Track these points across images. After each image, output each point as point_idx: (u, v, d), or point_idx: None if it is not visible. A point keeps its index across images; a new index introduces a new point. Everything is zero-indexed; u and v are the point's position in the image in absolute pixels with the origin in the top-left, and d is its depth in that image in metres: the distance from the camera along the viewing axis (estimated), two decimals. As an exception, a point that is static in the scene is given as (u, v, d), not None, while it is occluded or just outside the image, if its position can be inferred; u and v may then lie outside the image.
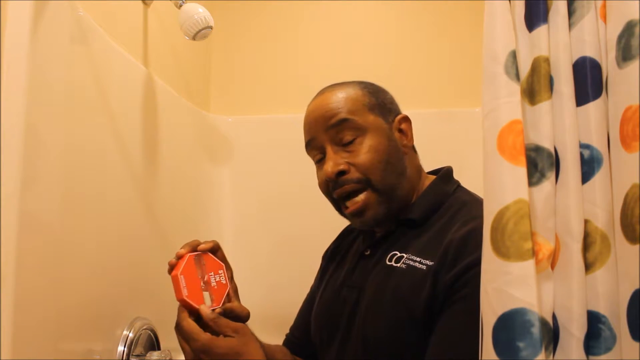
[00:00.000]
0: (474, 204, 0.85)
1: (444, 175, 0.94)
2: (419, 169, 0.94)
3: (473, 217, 0.80)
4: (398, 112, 0.93)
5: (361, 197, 0.86)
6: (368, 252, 0.92)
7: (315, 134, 0.90)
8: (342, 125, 0.87)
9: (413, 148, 0.94)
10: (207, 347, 0.76)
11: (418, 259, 0.82)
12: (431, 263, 0.80)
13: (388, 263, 0.86)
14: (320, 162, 0.91)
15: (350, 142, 0.87)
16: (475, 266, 0.72)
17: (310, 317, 1.01)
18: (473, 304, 0.71)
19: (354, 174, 0.85)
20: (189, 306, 0.80)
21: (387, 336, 0.81)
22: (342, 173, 0.86)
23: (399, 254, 0.86)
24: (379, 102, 0.91)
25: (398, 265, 0.84)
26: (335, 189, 0.87)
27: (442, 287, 0.77)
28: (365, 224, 0.89)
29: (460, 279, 0.76)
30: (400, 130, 0.91)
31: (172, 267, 0.82)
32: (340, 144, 0.87)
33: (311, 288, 1.09)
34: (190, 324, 0.78)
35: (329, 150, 0.88)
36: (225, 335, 0.78)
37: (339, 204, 0.90)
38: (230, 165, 1.78)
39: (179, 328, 0.79)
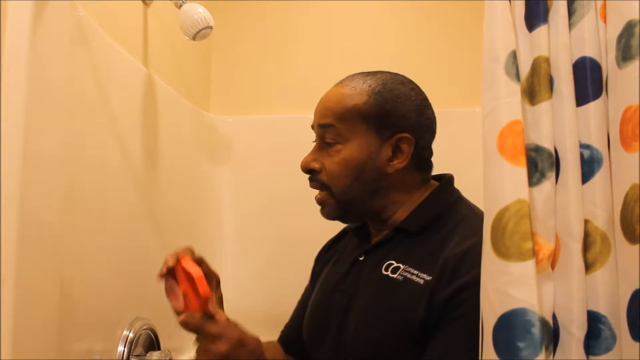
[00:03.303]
0: (474, 219, 0.82)
1: (445, 184, 0.92)
2: (414, 184, 0.90)
3: (472, 233, 0.77)
4: (404, 130, 0.86)
5: (321, 194, 0.92)
6: (362, 258, 0.91)
7: (314, 123, 0.94)
8: (326, 128, 0.90)
9: (417, 164, 0.89)
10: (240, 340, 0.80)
11: (416, 272, 0.82)
12: (429, 278, 0.80)
13: (384, 273, 0.85)
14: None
15: (331, 146, 0.89)
16: (471, 286, 0.71)
17: (303, 319, 1.00)
18: (467, 326, 0.72)
19: (321, 177, 0.90)
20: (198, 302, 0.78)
21: (380, 351, 0.81)
22: (312, 171, 0.91)
23: (395, 264, 0.85)
24: (382, 113, 0.86)
25: (395, 276, 0.84)
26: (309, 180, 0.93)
27: (437, 304, 0.77)
28: (324, 216, 0.94)
29: (455, 298, 0.76)
30: (396, 149, 0.87)
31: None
32: (324, 143, 0.91)
33: (306, 288, 1.09)
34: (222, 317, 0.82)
35: (315, 144, 0.93)
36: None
37: None
38: (230, 165, 1.77)
39: (211, 322, 0.80)
